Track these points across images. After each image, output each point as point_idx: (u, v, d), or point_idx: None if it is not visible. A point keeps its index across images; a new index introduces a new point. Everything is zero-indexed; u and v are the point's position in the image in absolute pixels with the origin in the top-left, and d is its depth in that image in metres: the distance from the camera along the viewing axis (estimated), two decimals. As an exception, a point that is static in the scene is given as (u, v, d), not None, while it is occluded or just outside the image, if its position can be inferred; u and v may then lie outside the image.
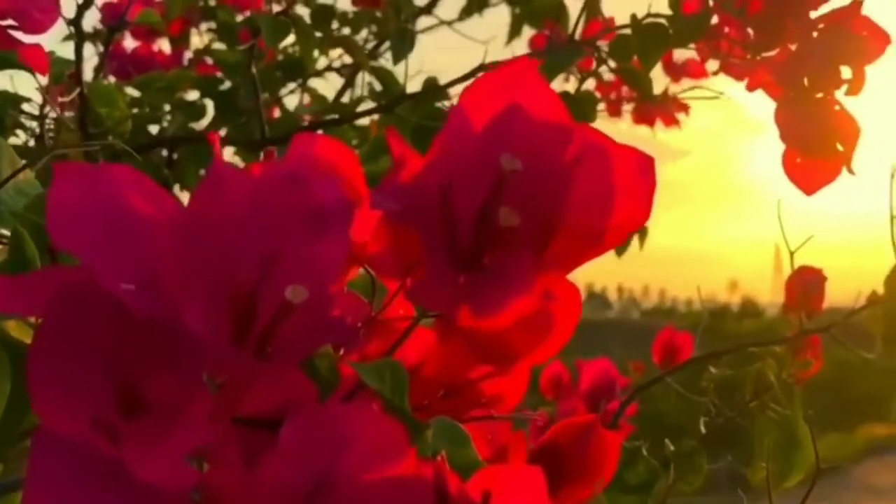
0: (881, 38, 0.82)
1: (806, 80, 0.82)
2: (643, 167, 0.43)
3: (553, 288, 0.44)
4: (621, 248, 1.45)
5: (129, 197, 0.37)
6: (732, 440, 1.00)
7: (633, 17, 0.93)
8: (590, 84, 1.28)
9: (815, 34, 0.83)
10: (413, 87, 1.18)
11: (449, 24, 1.61)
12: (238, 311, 0.37)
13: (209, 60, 1.57)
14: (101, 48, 1.44)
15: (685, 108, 1.52)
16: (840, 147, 0.82)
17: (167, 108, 1.42)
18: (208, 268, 0.37)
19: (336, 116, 1.32)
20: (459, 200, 0.42)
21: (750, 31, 0.87)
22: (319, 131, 1.21)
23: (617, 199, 0.43)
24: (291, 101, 1.54)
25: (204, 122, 1.42)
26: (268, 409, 0.39)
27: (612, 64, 1.02)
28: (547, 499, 0.38)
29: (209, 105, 1.41)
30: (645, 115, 1.54)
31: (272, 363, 0.37)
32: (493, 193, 0.42)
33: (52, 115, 1.02)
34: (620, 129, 1.58)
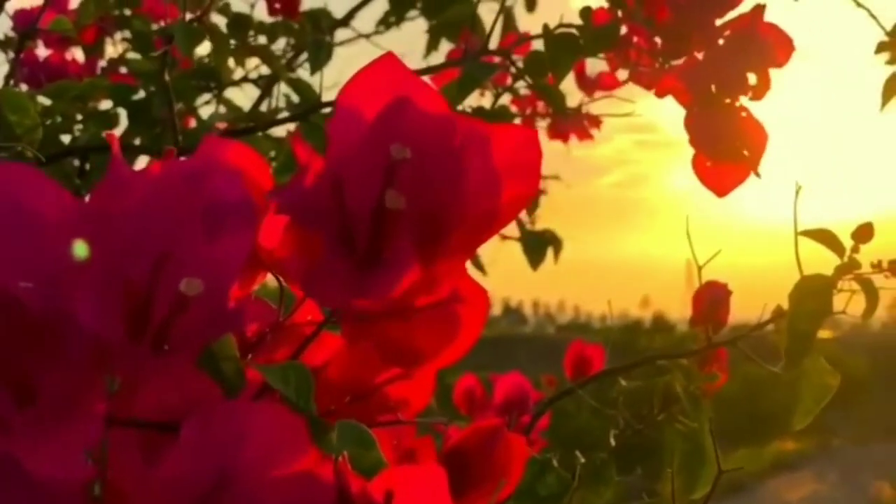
0: (786, 44, 0.84)
1: (713, 87, 0.84)
2: (526, 141, 0.44)
3: (460, 289, 0.44)
4: (536, 261, 1.46)
5: (24, 195, 0.37)
6: (647, 453, 1.01)
7: (545, 26, 0.94)
8: (505, 99, 1.29)
9: (721, 41, 0.84)
10: (330, 98, 1.17)
11: (367, 36, 1.61)
12: (134, 306, 0.37)
13: (124, 70, 1.55)
14: (12, 55, 1.42)
15: (598, 123, 1.54)
16: (746, 153, 0.83)
17: (79, 117, 1.40)
18: (104, 263, 0.36)
19: (251, 125, 1.31)
20: (353, 195, 0.42)
21: (658, 40, 0.89)
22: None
23: (504, 177, 0.43)
24: (207, 112, 1.53)
25: (117, 132, 1.40)
26: (173, 414, 0.39)
27: (528, 79, 1.03)
28: (449, 498, 0.38)
29: (122, 114, 1.39)
30: (559, 131, 1.55)
31: (167, 356, 0.37)
32: (384, 183, 0.42)
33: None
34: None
